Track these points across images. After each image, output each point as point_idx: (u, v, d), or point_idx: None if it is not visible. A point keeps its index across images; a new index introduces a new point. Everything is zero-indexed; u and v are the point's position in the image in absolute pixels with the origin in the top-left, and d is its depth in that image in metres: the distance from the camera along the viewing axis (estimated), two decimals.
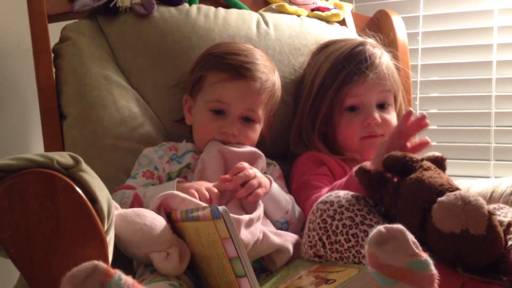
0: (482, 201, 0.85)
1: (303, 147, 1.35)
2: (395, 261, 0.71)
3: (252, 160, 1.20)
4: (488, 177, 1.68)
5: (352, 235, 0.94)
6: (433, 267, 0.72)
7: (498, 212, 1.01)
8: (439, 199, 0.87)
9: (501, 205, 1.06)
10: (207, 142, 1.22)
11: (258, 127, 1.26)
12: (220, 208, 0.84)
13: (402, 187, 0.95)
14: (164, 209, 1.00)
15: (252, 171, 1.11)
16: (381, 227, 0.72)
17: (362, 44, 1.34)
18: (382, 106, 1.33)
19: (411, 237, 0.72)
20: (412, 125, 1.09)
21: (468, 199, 0.85)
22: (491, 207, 1.02)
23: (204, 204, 1.01)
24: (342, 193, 0.99)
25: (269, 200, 1.13)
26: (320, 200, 1.00)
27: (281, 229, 1.15)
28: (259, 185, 1.10)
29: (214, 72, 1.23)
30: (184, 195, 1.00)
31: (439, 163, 1.00)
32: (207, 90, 1.23)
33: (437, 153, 1.02)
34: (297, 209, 1.20)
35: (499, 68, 1.71)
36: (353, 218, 0.95)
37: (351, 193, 0.99)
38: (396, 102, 1.37)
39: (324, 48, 1.39)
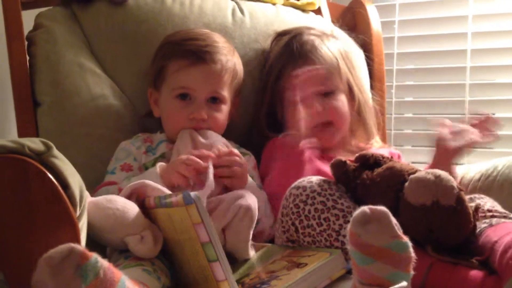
0: (451, 177, 0.89)
1: (274, 131, 1.33)
2: (377, 241, 0.73)
3: None
4: (462, 164, 1.71)
5: (324, 219, 0.96)
6: (411, 250, 0.74)
7: (477, 201, 1.03)
8: (411, 176, 0.91)
9: (482, 195, 1.09)
10: (178, 131, 1.22)
11: (225, 108, 1.27)
12: (192, 194, 0.85)
13: (375, 175, 0.98)
14: (136, 197, 1.00)
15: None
16: (365, 208, 0.74)
17: (299, 34, 1.35)
18: (327, 95, 1.30)
19: (393, 219, 0.74)
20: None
21: (438, 173, 0.89)
22: (472, 196, 1.06)
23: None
24: (314, 178, 1.01)
25: None
26: (293, 185, 1.01)
27: None
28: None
29: (175, 60, 1.23)
30: (155, 184, 1.00)
31: None
32: (171, 79, 1.24)
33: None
34: (268, 206, 1.20)
35: (473, 57, 1.73)
36: (325, 203, 0.97)
37: (323, 178, 1.01)
38: (352, 91, 1.35)
39: (277, 39, 1.40)
